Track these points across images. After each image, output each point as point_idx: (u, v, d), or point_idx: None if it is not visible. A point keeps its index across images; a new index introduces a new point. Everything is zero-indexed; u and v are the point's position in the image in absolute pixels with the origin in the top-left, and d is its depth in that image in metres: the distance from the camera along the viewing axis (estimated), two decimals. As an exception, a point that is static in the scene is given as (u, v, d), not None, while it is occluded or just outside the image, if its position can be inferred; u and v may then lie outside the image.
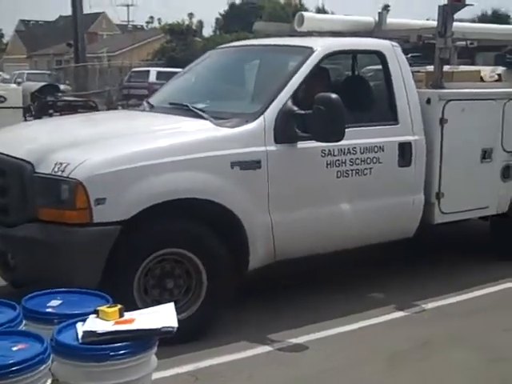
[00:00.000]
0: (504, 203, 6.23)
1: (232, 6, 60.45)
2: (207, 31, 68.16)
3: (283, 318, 4.94)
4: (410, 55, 8.51)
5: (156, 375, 3.86)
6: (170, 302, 4.34)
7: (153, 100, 5.99)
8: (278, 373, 4.17)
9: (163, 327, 2.76)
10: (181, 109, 5.25)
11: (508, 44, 7.73)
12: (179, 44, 41.69)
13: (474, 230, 7.23)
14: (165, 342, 3.72)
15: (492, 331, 4.86)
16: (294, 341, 4.59)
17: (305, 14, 6.20)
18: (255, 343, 4.52)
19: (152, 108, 5.72)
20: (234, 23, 51.37)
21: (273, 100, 4.87)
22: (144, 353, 2.73)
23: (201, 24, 63.76)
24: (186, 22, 48.39)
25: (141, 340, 2.71)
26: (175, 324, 2.80)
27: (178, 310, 4.39)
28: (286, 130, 4.81)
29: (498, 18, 44.80)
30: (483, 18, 42.66)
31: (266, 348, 4.48)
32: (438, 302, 5.40)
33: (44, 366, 2.52)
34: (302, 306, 5.18)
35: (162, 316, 2.88)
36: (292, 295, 5.41)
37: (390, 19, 6.78)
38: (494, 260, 6.41)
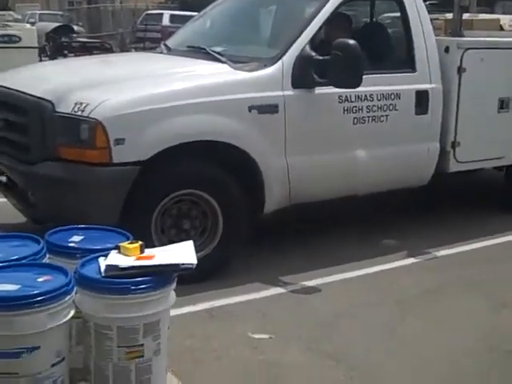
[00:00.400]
0: (521, 154, 6.24)
1: None
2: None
3: (297, 261, 5.03)
4: (427, 3, 8.43)
5: (173, 312, 3.97)
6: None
7: (170, 43, 5.98)
8: (292, 312, 4.26)
9: (183, 264, 2.83)
10: (199, 52, 5.26)
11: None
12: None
13: (489, 180, 7.26)
14: (181, 280, 3.84)
15: (503, 279, 4.92)
16: (307, 283, 4.68)
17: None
18: (269, 285, 4.62)
19: (170, 51, 5.72)
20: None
21: (291, 45, 4.86)
22: (164, 288, 2.79)
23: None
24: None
25: (161, 275, 2.78)
26: (194, 261, 2.87)
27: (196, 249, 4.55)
28: (304, 75, 4.80)
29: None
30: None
31: (280, 290, 4.58)
32: (451, 249, 5.45)
33: (68, 297, 2.59)
34: (315, 251, 5.26)
35: (182, 253, 2.95)
36: (305, 240, 5.49)
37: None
38: (508, 210, 6.43)
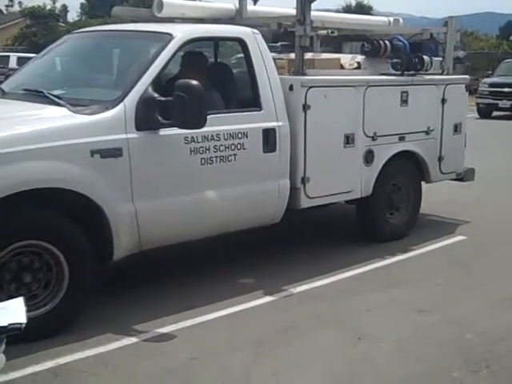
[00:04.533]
0: (367, 187, 6.42)
1: (97, -11, 58.67)
2: (72, 16, 66.04)
3: (150, 307, 4.85)
4: (279, 43, 8.58)
5: (14, 374, 3.79)
6: (28, 296, 4.19)
7: (5, 86, 5.65)
8: (144, 364, 4.06)
9: (10, 324, 2.56)
10: (36, 95, 5.00)
11: (369, 34, 7.97)
12: (40, 29, 39.97)
13: (342, 214, 7.40)
14: (24, 339, 3.59)
15: (356, 312, 4.98)
16: (162, 330, 4.51)
17: (164, -1, 6.06)
18: (120, 335, 4.40)
19: (4, 94, 5.40)
20: (99, 8, 50.07)
21: (133, 87, 4.73)
22: (-12, 353, 2.53)
23: (65, 8, 61.47)
24: (49, 6, 46.42)
25: (-15, 340, 2.52)
26: (24, 320, 2.61)
27: (38, 305, 4.31)
28: (148, 117, 4.68)
29: (361, 8, 46.45)
30: (348, 9, 44.07)
31: (132, 339, 4.37)
32: (306, 285, 5.46)
33: None
34: (169, 295, 5.10)
35: (10, 312, 2.67)
36: (159, 284, 5.32)
37: (251, 7, 6.78)
38: (361, 242, 6.61)
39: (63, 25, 45.45)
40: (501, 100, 21.03)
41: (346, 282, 5.64)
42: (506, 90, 20.99)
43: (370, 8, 49.12)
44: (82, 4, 61.54)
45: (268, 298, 5.17)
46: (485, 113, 21.26)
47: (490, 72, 25.53)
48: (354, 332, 4.60)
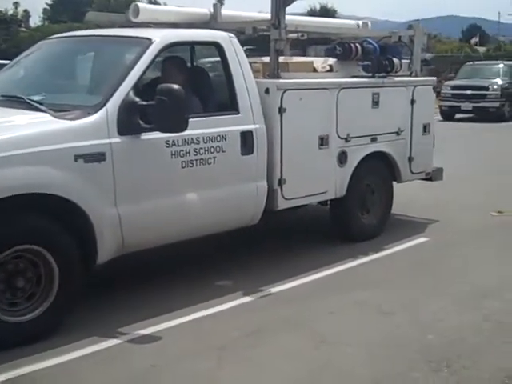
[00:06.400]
0: (342, 187, 6.54)
1: (60, -5, 58.35)
2: (34, 21, 65.42)
3: (118, 313, 4.85)
4: (245, 48, 8.67)
5: None
6: (10, 301, 4.24)
7: (-19, 93, 5.64)
8: (104, 373, 4.02)
9: None
10: (15, 101, 5.00)
11: (336, 37, 8.12)
12: (1, 34, 39.51)
13: (316, 215, 7.51)
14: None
15: (320, 314, 4.99)
16: (124, 338, 4.48)
17: (140, 4, 6.09)
18: (84, 343, 4.35)
19: (-19, 101, 5.40)
20: (62, 13, 49.81)
21: (114, 92, 4.78)
22: None
23: (27, 13, 60.82)
24: (11, 12, 45.91)
25: None
26: None
27: (19, 313, 4.31)
28: (130, 122, 4.74)
29: (326, 12, 46.88)
30: (312, 13, 44.46)
31: (95, 347, 4.31)
32: (279, 287, 5.51)
33: None
34: (143, 300, 5.12)
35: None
36: (135, 287, 5.35)
37: (225, 11, 6.86)
38: (333, 243, 6.71)
39: (25, 30, 45.02)
40: (463, 102, 21.38)
41: (312, 284, 5.67)
42: (468, 92, 21.36)
43: (335, 12, 49.53)
44: (44, 9, 61.05)
45: (238, 301, 5.19)
46: (447, 115, 21.60)
47: (452, 75, 25.98)
48: (316, 335, 4.61)
